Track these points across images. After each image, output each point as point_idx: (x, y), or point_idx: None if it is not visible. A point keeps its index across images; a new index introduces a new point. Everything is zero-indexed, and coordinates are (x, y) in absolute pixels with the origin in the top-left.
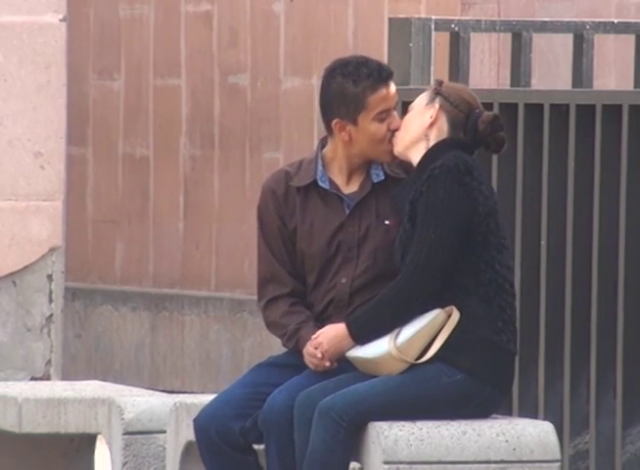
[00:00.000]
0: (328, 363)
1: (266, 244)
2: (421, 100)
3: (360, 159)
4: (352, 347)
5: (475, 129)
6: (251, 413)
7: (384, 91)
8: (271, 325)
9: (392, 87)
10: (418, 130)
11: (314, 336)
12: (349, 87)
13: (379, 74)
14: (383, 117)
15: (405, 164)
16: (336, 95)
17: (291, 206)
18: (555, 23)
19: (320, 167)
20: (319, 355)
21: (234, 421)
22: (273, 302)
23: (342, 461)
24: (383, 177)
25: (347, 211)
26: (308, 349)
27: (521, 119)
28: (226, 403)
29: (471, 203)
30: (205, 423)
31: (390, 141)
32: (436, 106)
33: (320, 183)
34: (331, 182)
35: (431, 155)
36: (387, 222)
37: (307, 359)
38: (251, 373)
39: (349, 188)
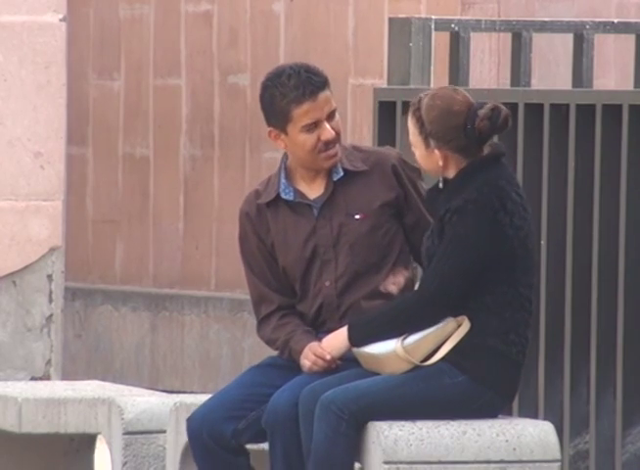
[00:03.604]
0: (334, 365)
1: (249, 267)
2: (416, 140)
3: (303, 165)
4: (347, 349)
5: (480, 135)
6: (244, 415)
7: (308, 105)
8: (267, 342)
9: (321, 98)
10: (436, 169)
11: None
12: (277, 99)
13: (304, 88)
14: (310, 128)
15: (368, 156)
16: (267, 105)
17: (264, 223)
18: (555, 23)
19: (283, 180)
20: (328, 357)
21: (226, 423)
22: (264, 320)
23: (347, 455)
24: (342, 174)
25: (316, 215)
26: (316, 350)
27: (521, 119)
28: (219, 405)
29: (499, 240)
30: (197, 425)
31: (325, 150)
32: (437, 152)
33: (283, 196)
34: (296, 191)
35: (464, 176)
36: (357, 217)
37: (307, 362)
38: (249, 373)
39: (315, 192)
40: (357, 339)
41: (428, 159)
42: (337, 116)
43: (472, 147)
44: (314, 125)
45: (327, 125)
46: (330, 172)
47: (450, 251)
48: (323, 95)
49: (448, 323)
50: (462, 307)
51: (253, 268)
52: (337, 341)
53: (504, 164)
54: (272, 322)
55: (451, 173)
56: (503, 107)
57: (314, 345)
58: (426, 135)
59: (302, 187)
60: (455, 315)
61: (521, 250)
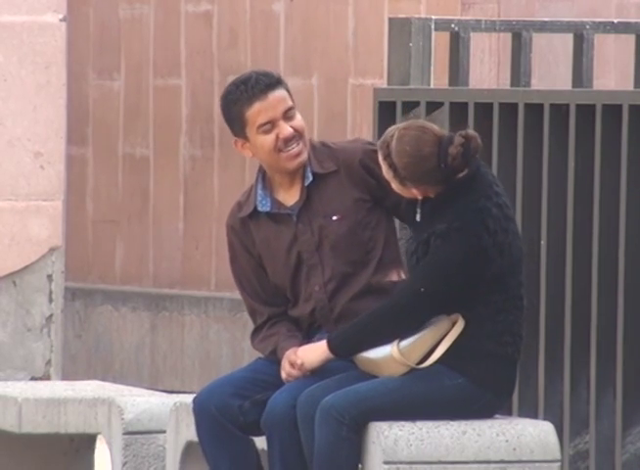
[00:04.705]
0: (308, 373)
1: (239, 282)
2: (391, 179)
3: (274, 170)
4: (324, 362)
5: (453, 171)
6: (249, 395)
7: (259, 104)
8: (259, 351)
9: (272, 97)
10: (414, 197)
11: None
12: (231, 106)
13: (252, 89)
14: (267, 128)
15: (336, 155)
16: (226, 115)
17: (249, 235)
18: (555, 23)
19: (260, 191)
20: (299, 362)
21: (232, 398)
22: (256, 331)
23: (350, 458)
24: (311, 178)
25: (295, 222)
26: (290, 357)
27: (521, 119)
28: (226, 382)
29: (483, 263)
30: (204, 399)
31: (285, 149)
32: (414, 190)
33: (260, 208)
34: (273, 201)
35: (444, 199)
36: (334, 218)
37: (283, 373)
38: (256, 362)
39: (293, 199)
40: (338, 351)
41: (405, 192)
42: (297, 114)
43: (449, 177)
44: (270, 125)
45: (283, 123)
46: (303, 178)
47: (428, 272)
48: (274, 94)
49: (442, 323)
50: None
51: (243, 283)
52: (314, 354)
53: (481, 175)
54: (262, 333)
55: (431, 194)
56: (472, 133)
57: (290, 353)
58: (401, 179)
59: (281, 195)
60: (448, 314)
61: (506, 260)
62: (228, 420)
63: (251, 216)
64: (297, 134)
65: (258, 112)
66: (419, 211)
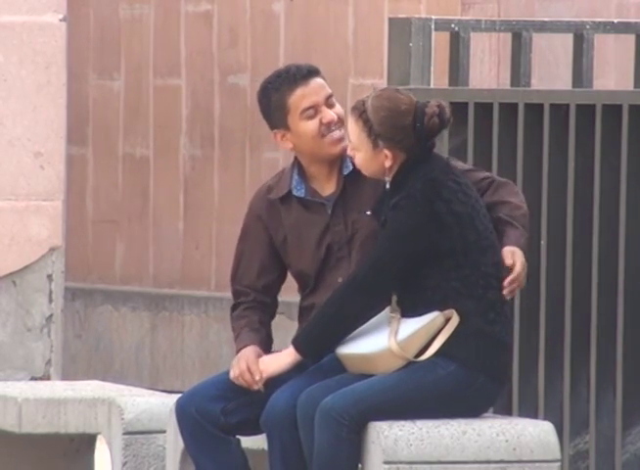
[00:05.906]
0: (257, 386)
1: (237, 261)
2: (362, 143)
3: (315, 160)
4: (292, 365)
5: (428, 133)
6: (233, 397)
7: (302, 90)
8: (232, 330)
9: (314, 83)
10: (380, 170)
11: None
12: (272, 96)
13: (294, 76)
14: (310, 114)
15: None
16: (265, 106)
17: (276, 217)
18: (555, 23)
19: (296, 176)
20: (257, 378)
21: (215, 401)
22: (234, 308)
23: (350, 459)
24: (352, 167)
25: (329, 212)
26: (252, 366)
27: (521, 119)
28: (210, 385)
29: (439, 229)
30: (185, 402)
31: (328, 134)
32: (386, 152)
33: (295, 193)
34: (307, 188)
35: (399, 176)
36: (368, 213)
37: (236, 370)
38: None
39: (329, 189)
40: (306, 348)
41: (374, 160)
42: (336, 103)
43: (417, 146)
44: (313, 111)
45: (326, 109)
46: (340, 169)
47: (381, 243)
48: (315, 80)
49: (436, 318)
50: (437, 301)
51: (241, 264)
52: (275, 364)
53: (437, 156)
54: (237, 310)
55: (395, 167)
56: (445, 104)
57: (252, 358)
58: (375, 137)
59: (315, 184)
60: (441, 310)
61: (469, 232)
62: (209, 422)
63: (282, 200)
64: (340, 121)
65: (302, 96)
66: (388, 180)
